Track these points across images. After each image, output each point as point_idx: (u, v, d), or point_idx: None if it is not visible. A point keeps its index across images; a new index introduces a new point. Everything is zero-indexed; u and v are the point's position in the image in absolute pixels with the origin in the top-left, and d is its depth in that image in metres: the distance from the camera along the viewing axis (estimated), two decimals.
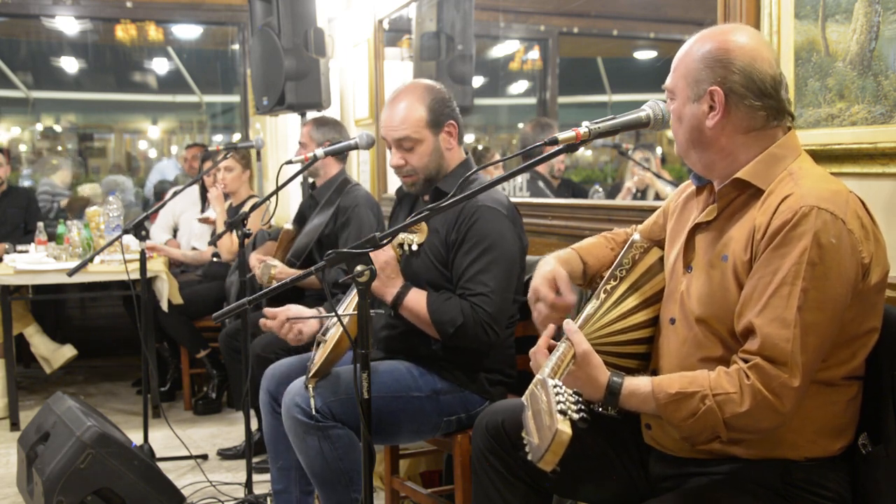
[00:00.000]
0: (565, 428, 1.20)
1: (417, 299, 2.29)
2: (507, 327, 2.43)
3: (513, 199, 2.46)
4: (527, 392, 1.42)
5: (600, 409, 1.57)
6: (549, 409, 1.25)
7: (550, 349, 1.59)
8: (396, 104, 2.41)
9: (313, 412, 2.22)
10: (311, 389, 2.25)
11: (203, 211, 5.07)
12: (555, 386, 1.28)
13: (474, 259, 2.27)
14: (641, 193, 4.02)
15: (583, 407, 1.25)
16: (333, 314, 2.09)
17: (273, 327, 2.57)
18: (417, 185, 2.44)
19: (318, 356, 2.30)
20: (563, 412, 1.22)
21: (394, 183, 4.12)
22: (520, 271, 2.40)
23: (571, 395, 1.27)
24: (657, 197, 3.86)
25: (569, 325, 1.60)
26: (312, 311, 2.62)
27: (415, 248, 2.25)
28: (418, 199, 2.56)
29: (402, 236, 2.24)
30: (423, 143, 2.38)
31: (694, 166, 1.66)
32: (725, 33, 1.58)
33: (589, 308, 1.72)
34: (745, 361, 1.46)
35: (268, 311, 2.59)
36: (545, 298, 1.79)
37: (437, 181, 2.44)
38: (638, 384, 1.54)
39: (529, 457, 1.28)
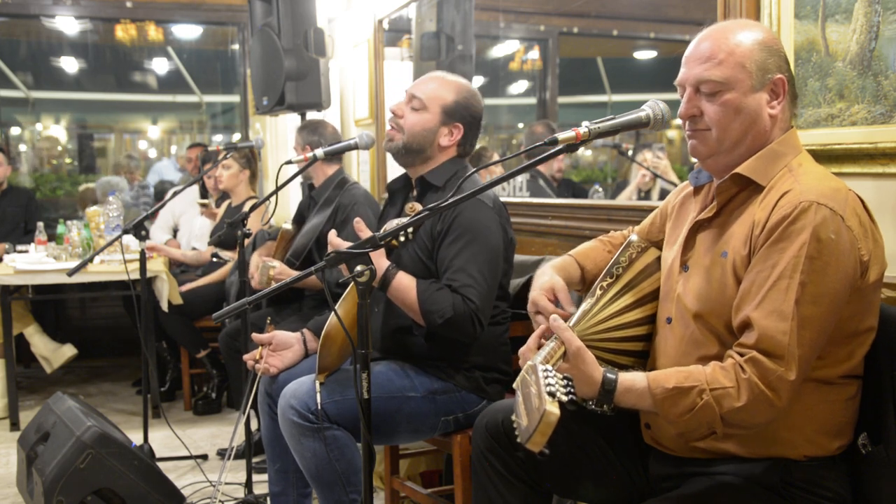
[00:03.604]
0: (553, 409, 1.21)
1: (407, 284, 2.27)
2: (500, 323, 2.43)
3: (513, 199, 2.46)
4: (518, 378, 1.43)
5: (594, 407, 1.56)
6: (538, 391, 1.26)
7: (539, 349, 1.59)
8: (437, 77, 2.47)
9: (319, 407, 2.23)
10: (317, 385, 2.25)
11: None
12: (544, 370, 1.29)
13: (460, 250, 2.27)
14: (645, 194, 4.03)
15: (572, 390, 1.26)
16: (332, 312, 2.09)
17: (258, 370, 2.60)
18: (394, 144, 2.44)
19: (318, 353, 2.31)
20: (551, 394, 1.23)
21: None
22: (506, 266, 2.40)
23: (561, 379, 1.28)
24: (661, 196, 3.87)
25: (555, 321, 1.57)
26: (296, 338, 2.64)
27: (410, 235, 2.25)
28: (408, 195, 2.56)
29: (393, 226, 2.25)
30: (427, 114, 2.40)
31: (734, 160, 1.59)
32: (758, 25, 1.60)
33: (584, 305, 1.72)
34: (741, 355, 1.46)
35: (255, 336, 2.62)
36: (544, 311, 1.77)
37: (414, 158, 2.44)
38: (633, 380, 1.52)
39: (518, 439, 1.30)
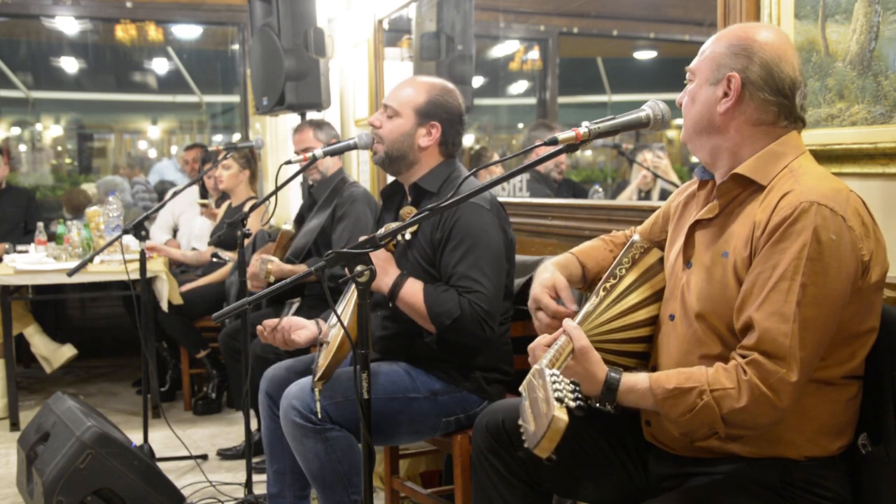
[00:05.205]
0: (562, 415, 1.21)
1: (414, 290, 2.27)
2: (501, 324, 2.43)
3: (513, 200, 2.45)
4: (524, 382, 1.42)
5: (597, 405, 1.57)
6: (546, 396, 1.25)
7: (549, 346, 1.59)
8: (408, 81, 2.49)
9: (319, 415, 2.22)
10: (317, 392, 2.25)
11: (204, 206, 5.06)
12: (552, 375, 1.29)
13: (462, 256, 2.26)
14: (645, 194, 4.02)
15: (580, 396, 1.26)
16: (334, 315, 2.09)
17: (267, 338, 2.57)
18: (379, 156, 2.47)
19: (323, 358, 2.30)
20: (559, 400, 1.23)
21: None
22: (508, 266, 2.39)
23: (569, 385, 1.28)
24: (662, 196, 3.86)
25: (568, 322, 1.61)
26: (311, 322, 2.62)
27: (408, 236, 2.25)
28: (403, 199, 2.55)
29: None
30: (400, 119, 2.42)
31: (697, 153, 1.67)
32: (758, 29, 1.61)
33: (587, 306, 1.72)
34: (743, 357, 1.46)
35: (266, 322, 2.59)
36: (546, 308, 1.78)
37: (399, 166, 2.45)
38: (636, 380, 1.54)
39: (526, 444, 1.29)
